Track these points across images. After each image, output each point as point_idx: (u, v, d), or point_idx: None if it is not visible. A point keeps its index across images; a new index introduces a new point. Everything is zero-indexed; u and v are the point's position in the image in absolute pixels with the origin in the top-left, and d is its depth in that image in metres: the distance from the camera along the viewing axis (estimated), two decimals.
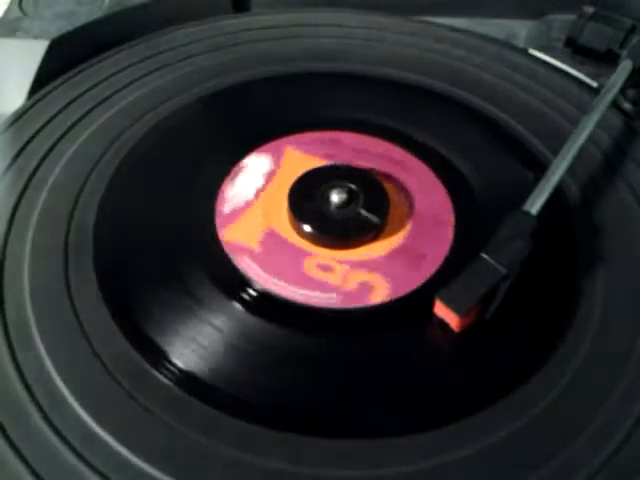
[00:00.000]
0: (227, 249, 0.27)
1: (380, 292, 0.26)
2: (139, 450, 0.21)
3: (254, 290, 0.26)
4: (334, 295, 0.26)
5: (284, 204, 0.28)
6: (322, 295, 0.25)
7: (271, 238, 0.27)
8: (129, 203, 0.29)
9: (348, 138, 0.32)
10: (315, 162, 0.30)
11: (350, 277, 0.26)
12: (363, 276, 0.26)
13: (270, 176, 0.29)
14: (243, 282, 0.26)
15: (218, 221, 0.28)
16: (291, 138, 0.31)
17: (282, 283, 0.26)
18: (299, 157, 0.30)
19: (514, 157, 0.32)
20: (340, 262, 0.27)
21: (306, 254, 0.27)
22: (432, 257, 0.27)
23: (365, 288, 0.26)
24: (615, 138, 0.32)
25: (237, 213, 0.28)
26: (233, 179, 0.29)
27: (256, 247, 0.27)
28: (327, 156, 0.31)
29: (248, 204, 0.28)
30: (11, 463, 0.21)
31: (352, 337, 0.25)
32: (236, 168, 0.30)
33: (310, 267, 0.26)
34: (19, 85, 0.35)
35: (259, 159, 0.30)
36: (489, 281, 0.24)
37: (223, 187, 0.29)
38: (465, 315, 0.23)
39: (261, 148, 0.31)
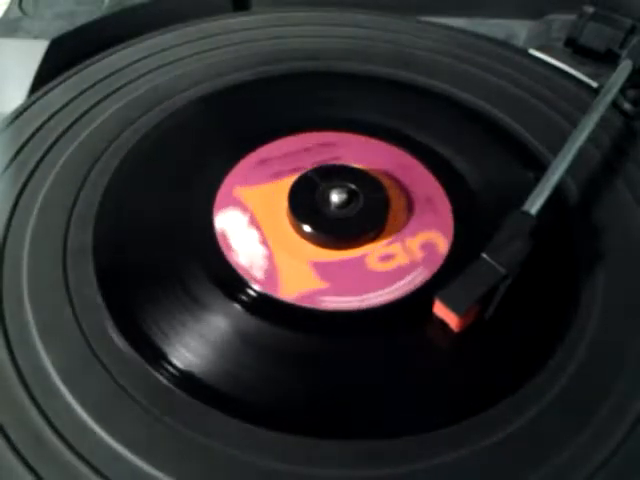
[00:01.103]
0: (303, 303, 0.25)
1: (441, 242, 0.27)
2: (139, 450, 0.21)
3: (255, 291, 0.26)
4: (419, 269, 0.26)
5: (293, 232, 0.28)
6: (409, 278, 0.26)
7: (320, 267, 0.26)
8: (129, 203, 0.29)
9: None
10: (281, 184, 0.29)
11: (411, 248, 0.27)
12: (417, 240, 0.27)
13: (254, 222, 0.28)
14: (243, 282, 0.26)
15: (267, 290, 0.26)
16: (234, 174, 0.30)
17: (370, 294, 0.25)
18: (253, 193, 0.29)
19: (514, 157, 0.32)
20: (390, 244, 0.27)
21: (363, 258, 0.27)
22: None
23: (430, 247, 0.27)
24: (615, 138, 0.32)
25: (272, 272, 0.26)
26: (231, 249, 0.27)
27: (321, 284, 0.26)
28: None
29: (271, 257, 0.27)
30: (11, 463, 0.21)
31: (351, 337, 0.25)
32: (219, 236, 0.27)
33: (375, 265, 0.26)
34: (19, 85, 0.35)
35: (228, 216, 0.28)
36: (488, 281, 0.24)
37: (230, 256, 0.27)
38: (465, 315, 0.23)
39: (218, 205, 0.29)
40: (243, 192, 0.29)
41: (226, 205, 0.29)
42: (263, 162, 0.30)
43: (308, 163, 0.30)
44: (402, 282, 0.26)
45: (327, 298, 0.25)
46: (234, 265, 0.26)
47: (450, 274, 0.24)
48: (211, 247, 0.27)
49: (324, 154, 0.31)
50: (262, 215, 0.28)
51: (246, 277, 0.26)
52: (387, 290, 0.26)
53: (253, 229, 0.28)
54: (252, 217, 0.28)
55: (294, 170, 0.30)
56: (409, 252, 0.27)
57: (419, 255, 0.27)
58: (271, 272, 0.26)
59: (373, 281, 0.26)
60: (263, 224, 0.28)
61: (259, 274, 0.26)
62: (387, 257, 0.27)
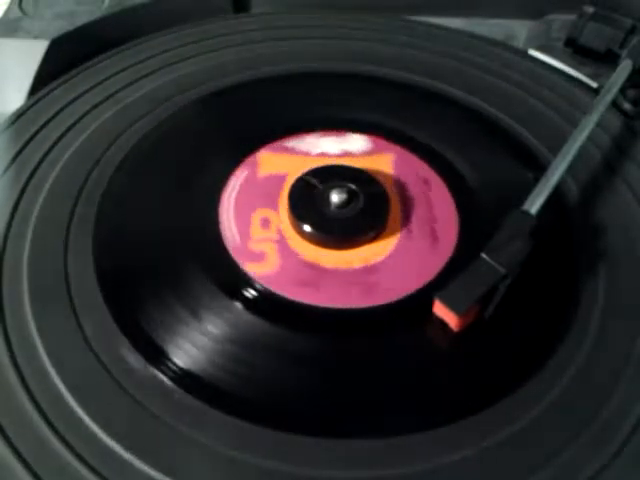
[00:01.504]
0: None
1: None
2: (139, 450, 0.21)
3: (256, 290, 0.26)
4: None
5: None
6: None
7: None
8: (129, 203, 0.29)
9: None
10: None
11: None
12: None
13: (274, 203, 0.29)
14: (243, 282, 0.26)
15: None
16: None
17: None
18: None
19: (514, 157, 0.32)
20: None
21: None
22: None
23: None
24: (615, 138, 0.32)
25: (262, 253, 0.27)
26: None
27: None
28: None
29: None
30: (11, 463, 0.21)
31: (350, 337, 0.25)
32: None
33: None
34: (19, 85, 0.35)
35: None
36: (488, 281, 0.24)
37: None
38: (464, 315, 0.23)
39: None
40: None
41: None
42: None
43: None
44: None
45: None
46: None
47: (448, 279, 0.24)
48: (211, 247, 0.27)
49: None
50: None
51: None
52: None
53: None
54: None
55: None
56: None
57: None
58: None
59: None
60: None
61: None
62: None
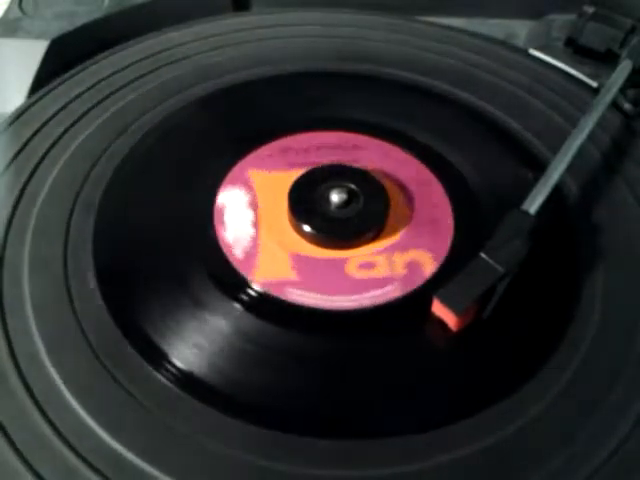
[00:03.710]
0: (269, 290, 0.25)
1: (428, 263, 0.26)
2: (139, 450, 0.21)
3: (254, 291, 0.26)
4: (394, 285, 0.26)
5: (288, 225, 0.28)
6: (380, 291, 0.26)
7: (298, 260, 0.27)
8: (129, 203, 0.29)
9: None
10: (290, 174, 0.29)
11: (396, 262, 0.26)
12: (406, 256, 0.27)
13: (253, 205, 0.29)
14: (244, 282, 0.26)
15: (240, 268, 0.26)
16: (250, 159, 0.31)
17: (335, 297, 0.25)
18: (267, 177, 0.30)
19: (514, 157, 0.32)
20: (376, 254, 0.27)
21: (343, 261, 0.27)
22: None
23: (415, 265, 0.26)
24: (615, 138, 0.32)
25: (253, 254, 0.27)
26: (223, 222, 0.28)
27: (293, 276, 0.26)
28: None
29: (255, 241, 0.27)
30: (11, 463, 0.21)
31: (349, 337, 0.25)
32: (216, 209, 0.28)
33: (353, 270, 0.26)
34: (19, 85, 0.35)
35: (232, 193, 0.29)
36: (487, 280, 0.24)
37: (219, 232, 0.27)
38: (463, 314, 0.23)
39: (226, 182, 0.30)
40: (256, 174, 0.30)
41: (234, 183, 0.29)
42: (284, 151, 0.31)
43: (325, 161, 0.30)
44: (369, 294, 0.26)
45: (294, 290, 0.26)
46: (219, 239, 0.27)
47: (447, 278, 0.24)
48: (211, 247, 0.27)
49: (342, 155, 0.31)
50: (263, 199, 0.29)
51: (226, 253, 0.27)
52: (353, 297, 0.25)
53: (250, 210, 0.28)
54: (253, 199, 0.29)
55: (309, 164, 0.30)
56: (391, 266, 0.26)
57: (402, 271, 0.26)
58: (251, 254, 0.27)
59: (342, 284, 0.26)
60: (261, 207, 0.28)
61: (239, 253, 0.27)
62: (368, 266, 0.27)
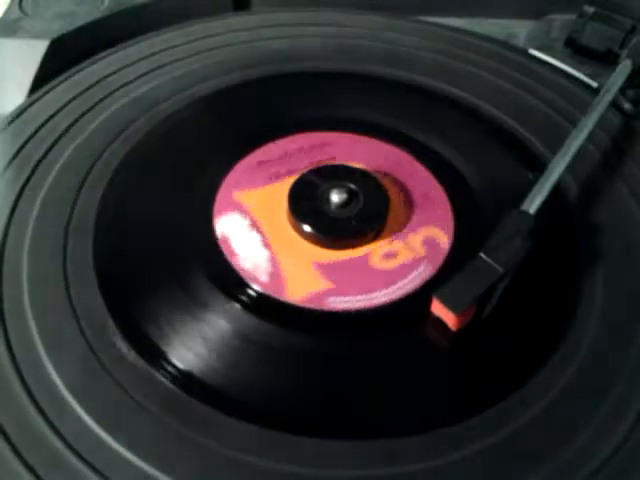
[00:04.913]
0: (310, 304, 0.25)
1: (442, 238, 0.27)
2: (139, 450, 0.21)
3: (253, 293, 0.26)
4: (424, 265, 0.26)
5: (296, 235, 0.27)
6: (413, 275, 0.26)
7: (325, 268, 0.26)
8: (129, 203, 0.29)
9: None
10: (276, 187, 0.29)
11: (413, 245, 0.27)
12: (419, 237, 0.27)
13: (255, 225, 0.28)
14: (244, 282, 0.26)
15: (272, 292, 0.26)
16: (232, 178, 0.30)
17: (375, 294, 0.25)
18: (253, 195, 0.29)
19: (514, 157, 0.32)
20: (392, 242, 0.27)
21: (363, 258, 0.27)
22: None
23: (432, 242, 0.27)
24: (615, 138, 0.32)
25: (277, 275, 0.26)
26: (235, 253, 0.27)
27: (328, 284, 0.26)
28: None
29: (274, 260, 0.27)
30: (10, 463, 0.21)
31: (349, 337, 0.25)
32: (221, 241, 0.27)
33: (379, 263, 0.26)
34: (19, 85, 0.35)
35: (229, 220, 0.28)
36: (486, 280, 0.24)
37: (236, 263, 0.26)
38: (462, 314, 0.23)
39: (218, 209, 0.28)
40: (242, 196, 0.29)
41: (226, 209, 0.29)
42: (260, 164, 0.30)
43: (305, 164, 0.30)
44: (407, 279, 0.26)
45: (334, 298, 0.25)
46: (238, 270, 0.26)
47: (454, 269, 0.24)
48: (214, 253, 0.27)
49: (321, 155, 0.31)
50: (262, 218, 0.28)
51: (251, 281, 0.26)
52: (392, 288, 0.26)
53: (254, 232, 0.28)
54: (252, 220, 0.28)
55: (291, 172, 0.30)
56: (412, 249, 0.27)
57: (422, 251, 0.27)
58: (276, 275, 0.26)
59: (378, 279, 0.26)
60: (264, 227, 0.28)
61: (264, 277, 0.26)
62: (390, 255, 0.27)
